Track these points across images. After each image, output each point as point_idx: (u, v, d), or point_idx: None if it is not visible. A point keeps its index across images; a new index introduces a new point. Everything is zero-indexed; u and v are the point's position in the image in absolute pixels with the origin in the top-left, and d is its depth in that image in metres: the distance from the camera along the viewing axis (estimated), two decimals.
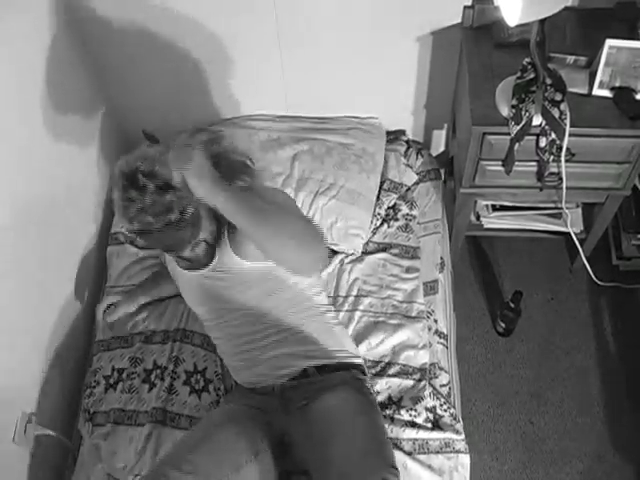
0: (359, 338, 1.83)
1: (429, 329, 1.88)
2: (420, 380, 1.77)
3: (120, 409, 1.79)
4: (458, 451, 1.70)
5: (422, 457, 1.68)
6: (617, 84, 1.74)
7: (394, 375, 1.78)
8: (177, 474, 1.42)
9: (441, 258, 2.05)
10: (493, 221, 2.26)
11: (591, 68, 1.79)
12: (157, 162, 1.43)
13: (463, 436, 1.72)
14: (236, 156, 1.61)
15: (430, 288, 1.97)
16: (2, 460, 1.62)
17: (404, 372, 1.79)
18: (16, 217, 1.69)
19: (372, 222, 2.04)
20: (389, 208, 2.08)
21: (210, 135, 1.55)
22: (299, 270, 1.46)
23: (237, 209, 1.33)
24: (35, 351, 1.78)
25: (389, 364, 1.80)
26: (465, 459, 1.70)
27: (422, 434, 1.70)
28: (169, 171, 1.39)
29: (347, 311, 1.89)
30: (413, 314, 1.88)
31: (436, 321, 1.91)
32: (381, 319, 1.87)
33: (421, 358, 1.81)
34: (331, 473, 1.45)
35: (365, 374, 1.72)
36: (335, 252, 2.00)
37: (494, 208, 2.25)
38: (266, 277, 1.61)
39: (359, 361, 1.72)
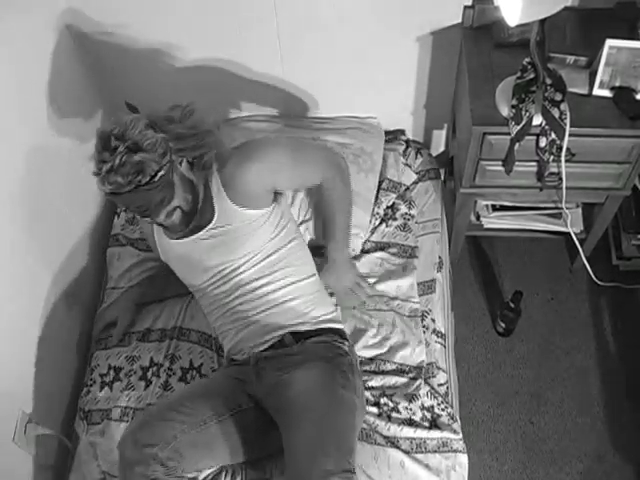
0: (354, 337, 1.84)
1: (426, 328, 1.88)
2: (415, 378, 1.77)
3: (116, 406, 1.79)
4: (456, 450, 1.70)
5: (420, 456, 1.68)
6: (617, 84, 1.74)
7: (389, 373, 1.79)
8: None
9: (439, 257, 2.05)
10: (493, 221, 2.26)
11: (591, 68, 1.79)
12: (129, 126, 1.51)
13: (461, 435, 1.72)
14: (202, 127, 1.65)
15: (428, 287, 1.97)
16: (2, 460, 1.62)
17: (400, 370, 1.79)
18: (15, 217, 1.69)
19: (370, 221, 2.04)
20: (388, 207, 2.08)
21: (182, 111, 1.61)
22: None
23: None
24: (35, 351, 1.77)
25: (384, 362, 1.81)
26: (463, 458, 1.70)
27: (420, 433, 1.70)
28: (141, 135, 1.50)
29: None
30: (406, 312, 1.88)
31: (434, 320, 1.91)
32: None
33: (417, 356, 1.81)
34: (288, 461, 1.50)
35: (345, 339, 1.75)
36: None
37: (494, 208, 2.24)
38: (261, 227, 1.68)
39: (339, 326, 1.77)
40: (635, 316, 2.34)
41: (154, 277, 1.97)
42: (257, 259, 1.69)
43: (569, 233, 2.15)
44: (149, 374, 1.83)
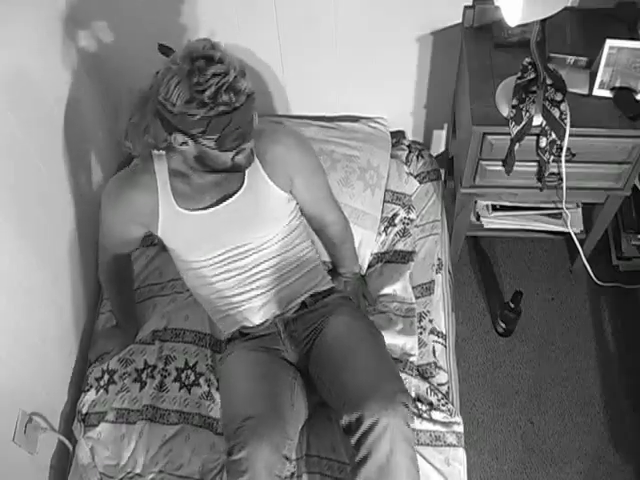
0: None
1: (424, 329, 1.88)
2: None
3: (112, 409, 1.80)
4: (450, 445, 1.71)
5: (418, 449, 1.68)
6: (617, 84, 1.74)
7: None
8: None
9: (439, 258, 2.05)
10: (493, 221, 2.26)
11: (591, 68, 1.79)
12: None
13: (457, 429, 1.73)
14: None
15: (426, 289, 1.97)
16: (2, 460, 1.62)
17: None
18: (17, 218, 1.69)
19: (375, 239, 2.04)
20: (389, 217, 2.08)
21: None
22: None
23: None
24: (35, 351, 1.77)
25: None
26: (460, 452, 1.71)
27: (418, 426, 1.71)
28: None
29: None
30: (402, 313, 1.89)
31: (431, 321, 1.90)
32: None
33: (408, 347, 1.82)
34: (348, 396, 1.53)
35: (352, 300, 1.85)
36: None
37: (494, 208, 2.24)
38: (284, 209, 1.71)
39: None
40: (635, 316, 2.34)
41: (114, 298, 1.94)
42: (278, 238, 1.71)
43: (569, 233, 2.15)
44: (144, 376, 1.84)
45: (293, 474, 1.63)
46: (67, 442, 1.81)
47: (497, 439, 2.15)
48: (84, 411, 1.82)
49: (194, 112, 1.40)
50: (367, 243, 2.01)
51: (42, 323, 1.81)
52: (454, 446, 1.71)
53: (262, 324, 1.74)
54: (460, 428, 1.74)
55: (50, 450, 1.81)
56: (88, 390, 1.85)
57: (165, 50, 1.51)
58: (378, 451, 1.47)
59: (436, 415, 1.74)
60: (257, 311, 1.73)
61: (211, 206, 1.64)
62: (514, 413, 2.20)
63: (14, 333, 1.67)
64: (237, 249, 1.69)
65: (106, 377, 1.86)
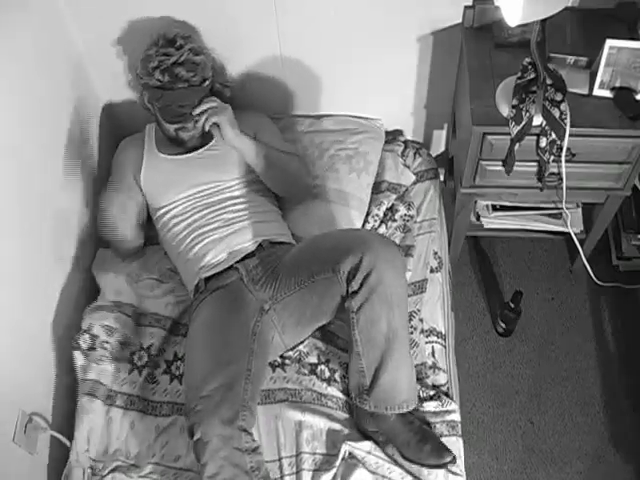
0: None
1: (414, 328, 1.87)
2: None
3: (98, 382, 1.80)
4: (442, 435, 1.71)
5: None
6: (617, 84, 1.74)
7: None
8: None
9: (439, 257, 2.05)
10: (493, 221, 2.26)
11: (591, 68, 1.79)
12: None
13: (457, 416, 1.75)
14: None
15: (418, 287, 1.97)
16: (2, 460, 1.62)
17: None
18: (16, 219, 1.69)
19: (369, 222, 2.04)
20: (387, 209, 2.08)
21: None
22: (292, 197, 2.02)
23: (255, 153, 1.88)
24: (35, 351, 1.77)
25: None
26: (453, 441, 1.71)
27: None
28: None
29: None
30: None
31: (422, 320, 1.90)
32: None
33: None
34: (341, 248, 1.65)
35: None
36: None
37: (494, 208, 2.24)
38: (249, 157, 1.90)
39: None
40: (635, 316, 2.34)
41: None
42: (244, 184, 1.93)
43: (569, 233, 2.15)
44: (135, 358, 1.85)
45: (256, 448, 1.60)
46: (67, 442, 1.81)
47: (497, 439, 2.15)
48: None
49: (142, 75, 1.83)
50: (352, 223, 2.01)
51: (42, 323, 1.81)
52: (446, 436, 1.71)
53: (219, 264, 1.81)
54: (455, 416, 1.74)
55: (50, 450, 1.81)
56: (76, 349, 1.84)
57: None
58: (381, 284, 1.58)
59: (428, 406, 1.74)
60: (212, 246, 1.83)
61: (186, 152, 1.94)
62: (514, 413, 2.19)
63: (14, 333, 1.67)
64: (207, 189, 1.90)
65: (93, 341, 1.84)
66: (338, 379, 1.79)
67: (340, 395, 1.77)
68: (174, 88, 1.80)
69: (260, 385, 1.71)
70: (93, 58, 2.07)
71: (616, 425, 2.16)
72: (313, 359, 1.81)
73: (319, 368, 1.80)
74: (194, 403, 1.56)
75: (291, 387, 1.76)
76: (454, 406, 1.75)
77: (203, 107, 1.81)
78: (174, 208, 1.91)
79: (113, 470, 1.68)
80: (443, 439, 1.70)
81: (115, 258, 2.02)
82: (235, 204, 1.90)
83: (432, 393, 1.77)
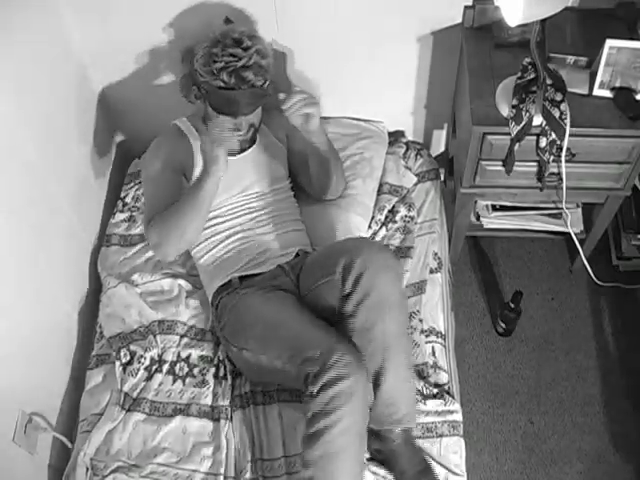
0: None
1: (414, 329, 1.87)
2: None
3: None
4: (444, 435, 1.71)
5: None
6: (617, 84, 1.74)
7: None
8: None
9: (438, 258, 2.05)
10: (493, 221, 2.26)
11: (591, 68, 1.79)
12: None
13: (459, 417, 1.74)
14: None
15: (418, 288, 1.97)
16: (2, 460, 1.62)
17: None
18: (18, 220, 1.69)
19: (371, 226, 2.04)
20: (389, 212, 2.08)
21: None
22: (331, 193, 2.00)
23: (327, 146, 1.89)
24: (36, 351, 1.77)
25: None
26: (454, 441, 1.71)
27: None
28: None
29: None
30: None
31: (421, 321, 1.90)
32: None
33: None
34: (337, 254, 1.67)
35: None
36: None
37: (494, 208, 2.24)
38: (283, 163, 1.97)
39: None
40: (635, 316, 2.34)
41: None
42: (282, 190, 1.95)
43: (569, 233, 2.15)
44: (154, 367, 1.84)
45: None
46: (67, 442, 1.81)
47: (497, 439, 2.15)
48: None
49: (204, 74, 1.73)
50: (358, 229, 2.01)
51: (42, 323, 1.81)
52: (447, 436, 1.71)
53: (262, 264, 1.82)
54: (457, 417, 1.73)
55: (50, 450, 1.81)
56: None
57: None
58: (375, 287, 1.58)
59: (430, 404, 1.74)
60: (261, 248, 1.84)
61: (230, 155, 1.83)
62: (514, 413, 2.19)
63: (14, 333, 1.67)
64: (254, 193, 1.90)
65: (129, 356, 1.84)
66: None
67: None
68: (237, 89, 1.72)
69: None
70: (92, 56, 2.08)
71: (616, 425, 2.16)
72: None
73: None
74: (326, 356, 1.50)
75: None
76: (456, 406, 1.75)
77: (296, 98, 1.73)
78: (219, 208, 1.88)
79: (114, 470, 1.68)
80: (444, 439, 1.70)
81: (115, 257, 2.02)
82: (276, 210, 1.90)
83: (435, 391, 1.77)
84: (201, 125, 1.91)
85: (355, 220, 2.01)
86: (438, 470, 1.65)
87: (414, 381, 1.69)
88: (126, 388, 1.79)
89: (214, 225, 1.88)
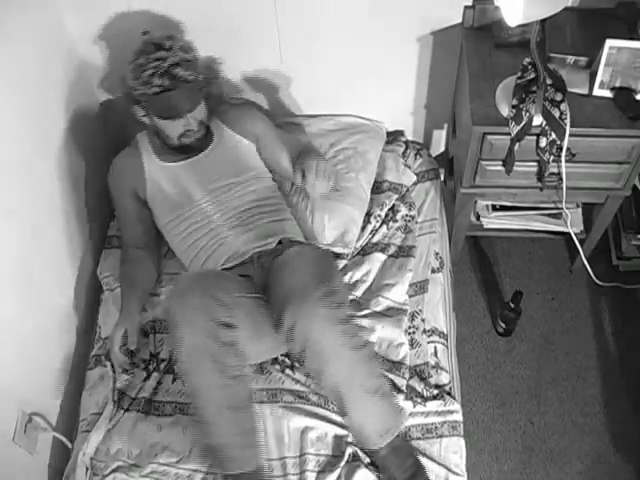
0: None
1: (416, 328, 1.87)
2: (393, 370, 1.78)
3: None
4: (444, 435, 1.71)
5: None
6: (617, 84, 1.74)
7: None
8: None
9: (440, 258, 2.05)
10: (493, 221, 2.26)
11: (591, 68, 1.79)
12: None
13: (459, 417, 1.74)
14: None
15: (420, 288, 1.97)
16: (2, 460, 1.62)
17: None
18: (16, 220, 1.69)
19: (370, 222, 2.04)
20: (389, 210, 2.08)
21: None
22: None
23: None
24: (35, 351, 1.77)
25: None
26: (454, 441, 1.70)
27: (410, 421, 1.73)
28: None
29: None
30: (378, 309, 1.88)
31: (424, 320, 1.90)
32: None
33: (399, 353, 1.82)
34: (277, 300, 1.62)
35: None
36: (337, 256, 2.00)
37: (494, 208, 2.25)
38: (255, 158, 1.96)
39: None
40: (635, 316, 2.34)
41: (126, 278, 1.94)
42: (257, 181, 1.92)
43: (569, 233, 2.15)
44: (150, 367, 1.85)
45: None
46: (67, 442, 1.81)
47: (497, 439, 2.15)
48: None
49: (139, 87, 1.74)
50: (353, 220, 2.01)
51: (42, 323, 1.81)
52: (447, 436, 1.71)
53: (240, 256, 1.82)
54: (457, 417, 1.73)
55: (50, 450, 1.81)
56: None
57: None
58: (309, 339, 1.54)
59: (430, 405, 1.74)
60: (237, 244, 1.83)
61: (187, 158, 1.89)
62: (514, 413, 2.19)
63: (14, 333, 1.67)
64: (222, 190, 1.88)
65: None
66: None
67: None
68: (175, 89, 1.74)
69: (255, 335, 1.70)
70: (91, 56, 2.08)
71: (616, 425, 2.16)
72: None
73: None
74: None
75: (300, 389, 1.75)
76: (457, 406, 1.75)
77: (315, 173, 1.83)
78: (190, 212, 1.88)
79: (114, 470, 1.68)
80: (444, 440, 1.70)
81: (115, 259, 2.02)
82: (250, 203, 1.89)
83: (436, 392, 1.77)
84: (156, 140, 1.91)
85: (350, 212, 2.01)
86: (438, 471, 1.66)
87: (381, 397, 1.63)
88: (120, 385, 1.79)
89: (192, 232, 1.88)
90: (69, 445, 1.80)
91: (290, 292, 1.59)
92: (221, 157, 1.92)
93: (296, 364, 1.80)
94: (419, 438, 1.71)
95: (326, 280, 1.64)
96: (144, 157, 1.93)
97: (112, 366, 1.81)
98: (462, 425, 1.74)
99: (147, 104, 1.77)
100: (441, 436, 1.71)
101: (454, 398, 1.78)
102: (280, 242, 1.85)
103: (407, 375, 1.77)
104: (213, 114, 1.93)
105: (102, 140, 2.20)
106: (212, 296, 1.57)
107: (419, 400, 1.74)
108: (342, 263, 1.99)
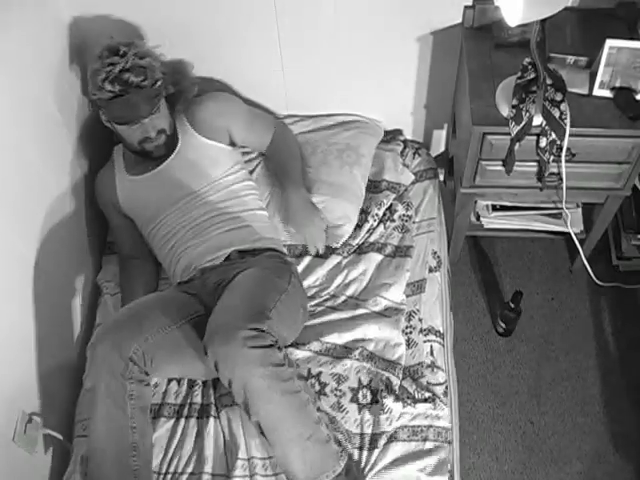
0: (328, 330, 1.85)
1: (413, 328, 1.87)
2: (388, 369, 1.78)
3: None
4: (429, 439, 1.70)
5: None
6: (617, 84, 1.74)
7: (364, 360, 1.80)
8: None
9: (437, 257, 2.05)
10: (493, 221, 2.26)
11: (591, 68, 1.79)
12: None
13: (446, 423, 1.72)
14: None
15: (417, 287, 1.97)
16: (2, 460, 1.62)
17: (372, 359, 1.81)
18: (16, 221, 1.69)
19: (368, 221, 2.04)
20: (387, 209, 2.08)
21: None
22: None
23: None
24: (35, 351, 1.77)
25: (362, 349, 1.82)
26: (443, 453, 1.69)
27: (395, 423, 1.72)
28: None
29: (329, 307, 1.92)
30: (376, 309, 1.88)
31: (421, 320, 1.90)
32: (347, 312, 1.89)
33: (395, 353, 1.82)
34: (211, 320, 1.60)
35: (283, 259, 1.90)
36: (332, 251, 2.00)
37: (494, 208, 2.25)
38: (223, 160, 1.93)
39: (280, 248, 1.94)
40: (635, 316, 2.34)
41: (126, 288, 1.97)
42: (220, 186, 1.90)
43: (569, 233, 2.15)
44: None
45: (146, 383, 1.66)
46: (67, 442, 1.81)
47: (497, 439, 2.15)
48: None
49: (94, 92, 1.77)
50: (347, 216, 2.01)
51: (42, 323, 1.81)
52: (431, 440, 1.69)
53: (190, 271, 1.84)
54: (444, 423, 1.72)
55: (50, 450, 1.81)
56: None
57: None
58: (232, 379, 1.52)
59: (420, 407, 1.73)
60: (191, 258, 1.85)
61: (156, 166, 1.89)
62: (514, 413, 2.19)
63: (13, 333, 1.67)
64: (185, 202, 1.88)
65: None
66: (329, 393, 1.76)
67: (328, 410, 1.74)
68: (126, 93, 1.74)
69: (172, 353, 1.70)
70: (90, 52, 2.07)
71: (616, 425, 2.16)
72: (303, 371, 1.79)
73: (309, 381, 1.78)
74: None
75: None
76: (445, 412, 1.74)
77: (317, 247, 1.93)
78: (160, 226, 1.90)
79: None
80: (427, 443, 1.69)
81: (114, 265, 2.04)
82: (210, 212, 1.87)
83: (427, 395, 1.76)
84: (128, 152, 1.93)
85: (343, 206, 2.01)
86: None
87: (313, 443, 1.58)
88: None
89: (162, 245, 1.90)
90: (69, 445, 1.80)
91: (215, 329, 1.55)
92: (184, 165, 1.90)
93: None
94: (404, 440, 1.70)
95: (259, 316, 1.58)
96: (116, 172, 1.97)
97: None
98: (450, 431, 1.72)
99: (104, 109, 1.80)
100: (425, 439, 1.70)
101: (444, 404, 1.75)
102: (229, 257, 1.84)
103: (401, 375, 1.78)
104: (182, 114, 1.94)
105: (101, 141, 2.20)
106: (118, 348, 1.58)
107: (409, 401, 1.73)
108: (337, 259, 1.99)
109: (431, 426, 1.72)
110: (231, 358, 1.50)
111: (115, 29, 1.99)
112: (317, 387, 1.77)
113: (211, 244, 1.84)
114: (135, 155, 1.90)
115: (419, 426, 1.72)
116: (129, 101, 1.74)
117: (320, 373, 1.79)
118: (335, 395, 1.75)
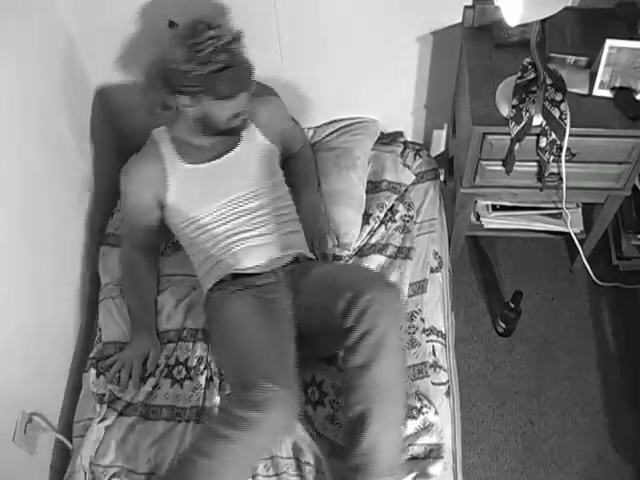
0: None
1: (416, 328, 1.87)
2: None
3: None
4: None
5: None
6: (617, 84, 1.74)
7: None
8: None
9: (439, 257, 2.05)
10: (493, 221, 2.26)
11: (591, 68, 1.79)
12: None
13: (432, 440, 1.68)
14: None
15: (419, 287, 1.96)
16: (2, 460, 1.62)
17: None
18: (15, 218, 1.69)
19: (369, 223, 2.04)
20: (388, 210, 2.08)
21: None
22: None
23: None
24: (35, 351, 1.77)
25: None
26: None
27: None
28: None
29: None
30: None
31: (423, 320, 1.89)
32: None
33: None
34: (343, 286, 1.62)
35: None
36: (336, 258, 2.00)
37: (494, 208, 2.24)
38: (275, 162, 1.97)
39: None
40: (635, 316, 2.34)
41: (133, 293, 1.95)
42: (276, 187, 1.92)
43: (569, 233, 2.15)
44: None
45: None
46: (67, 442, 1.81)
47: (497, 439, 2.15)
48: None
49: (192, 69, 1.67)
50: (351, 221, 2.01)
51: (42, 323, 1.81)
52: (422, 458, 1.66)
53: (259, 273, 1.81)
54: (430, 440, 1.67)
55: (50, 450, 1.81)
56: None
57: (172, 24, 1.81)
58: (376, 326, 1.54)
59: (410, 426, 1.69)
60: (253, 252, 1.82)
61: (214, 159, 1.87)
62: (514, 413, 2.19)
63: (15, 333, 1.67)
64: (243, 196, 1.86)
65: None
66: (327, 403, 1.75)
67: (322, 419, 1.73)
68: (234, 65, 1.71)
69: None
70: (88, 47, 2.06)
71: (616, 425, 2.16)
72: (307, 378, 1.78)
73: (310, 389, 1.77)
74: (251, 380, 1.51)
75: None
76: (430, 435, 1.69)
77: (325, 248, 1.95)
78: (209, 216, 1.86)
79: (113, 475, 1.68)
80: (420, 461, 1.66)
81: (114, 258, 2.03)
82: (271, 211, 1.87)
83: (418, 406, 1.71)
84: (178, 137, 1.88)
85: (345, 212, 2.01)
86: None
87: (401, 436, 1.59)
88: (112, 387, 1.80)
89: (210, 230, 1.85)
90: (69, 446, 1.80)
91: (365, 280, 1.63)
92: (245, 161, 1.89)
93: (339, 363, 1.77)
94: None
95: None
96: (167, 161, 1.87)
97: (114, 377, 1.82)
98: (441, 448, 1.68)
99: (201, 87, 1.70)
100: (415, 458, 1.66)
101: (432, 404, 1.72)
102: (297, 258, 1.86)
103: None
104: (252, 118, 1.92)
105: (101, 135, 2.20)
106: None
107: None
108: (339, 263, 1.98)
109: (422, 443, 1.68)
110: (384, 304, 1.56)
111: (116, 29, 1.99)
112: (317, 395, 1.76)
113: (281, 240, 1.85)
114: (211, 136, 1.85)
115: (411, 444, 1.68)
116: (238, 73, 1.72)
117: (322, 381, 1.78)
118: (332, 407, 1.74)
